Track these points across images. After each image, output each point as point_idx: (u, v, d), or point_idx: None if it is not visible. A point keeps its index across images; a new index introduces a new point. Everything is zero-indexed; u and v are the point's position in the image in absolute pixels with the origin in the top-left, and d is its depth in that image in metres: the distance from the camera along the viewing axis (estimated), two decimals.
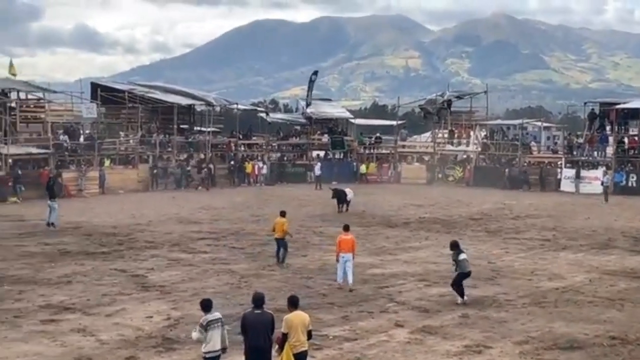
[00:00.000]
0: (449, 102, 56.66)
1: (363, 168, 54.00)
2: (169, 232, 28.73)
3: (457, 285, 17.83)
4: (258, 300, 11.68)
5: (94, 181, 43.70)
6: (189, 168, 48.39)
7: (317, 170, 50.21)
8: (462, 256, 18.01)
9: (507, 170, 50.21)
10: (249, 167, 51.24)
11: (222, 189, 47.53)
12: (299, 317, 11.61)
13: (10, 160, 40.96)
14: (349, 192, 36.27)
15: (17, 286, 19.23)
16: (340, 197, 35.76)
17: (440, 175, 52.92)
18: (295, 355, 11.30)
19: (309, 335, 11.66)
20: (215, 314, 11.60)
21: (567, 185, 47.55)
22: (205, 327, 11.40)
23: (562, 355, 14.00)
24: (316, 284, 19.94)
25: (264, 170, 51.87)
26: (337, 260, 19.43)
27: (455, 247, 18.27)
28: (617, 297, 18.63)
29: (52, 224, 29.24)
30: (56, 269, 21.55)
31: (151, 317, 16.36)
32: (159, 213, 34.49)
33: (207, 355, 11.49)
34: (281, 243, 22.41)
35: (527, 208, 38.05)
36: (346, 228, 19.94)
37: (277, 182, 51.03)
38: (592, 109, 51.51)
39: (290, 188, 47.71)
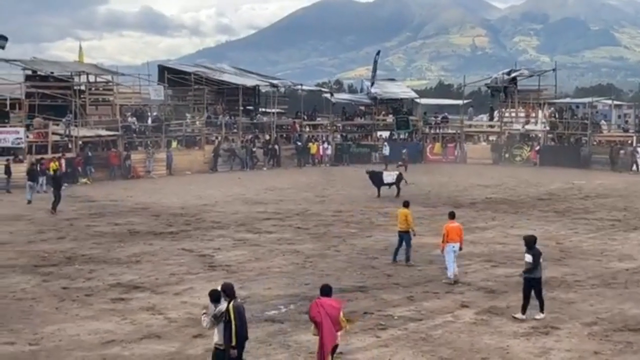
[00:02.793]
0: (515, 79, 55.84)
1: (387, 150, 51.52)
2: (235, 213, 29.02)
3: (540, 294, 14.93)
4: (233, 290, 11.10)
5: (162, 162, 44.39)
6: (254, 149, 48.71)
7: (386, 150, 50.09)
8: (541, 257, 14.99)
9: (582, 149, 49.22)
10: (313, 147, 51.35)
11: (287, 169, 47.78)
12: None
13: (80, 142, 41.82)
14: (387, 174, 34.80)
15: (88, 265, 19.68)
16: (374, 179, 34.36)
17: (507, 155, 52.21)
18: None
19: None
20: (225, 305, 10.88)
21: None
22: (218, 318, 10.83)
23: (632, 337, 13.72)
24: (381, 264, 19.91)
25: (329, 151, 51.94)
26: (442, 251, 17.90)
27: (533, 243, 15.04)
28: None
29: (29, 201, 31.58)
30: (125, 248, 21.98)
31: None
32: (225, 194, 34.87)
33: (220, 347, 10.89)
34: (405, 238, 19.88)
35: (597, 188, 37.33)
36: (452, 215, 18.48)
37: (342, 163, 50.94)
38: None
39: (354, 168, 47.67)
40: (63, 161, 38.19)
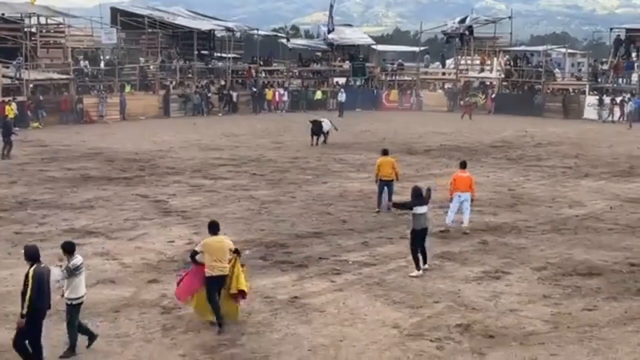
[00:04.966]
0: (471, 26, 55.84)
1: (318, 94, 52.26)
2: (190, 159, 28.87)
3: (415, 249, 14.36)
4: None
5: (115, 107, 43.74)
6: (209, 94, 48.21)
7: (342, 96, 50.03)
8: (422, 209, 14.37)
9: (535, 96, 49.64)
10: (269, 94, 51.00)
11: (242, 115, 47.48)
12: (220, 242, 11.58)
13: (31, 86, 41.03)
14: (325, 123, 34.07)
15: (41, 210, 19.49)
16: (316, 129, 33.74)
17: (462, 103, 52.46)
18: (214, 278, 11.39)
19: (237, 252, 11.72)
20: (80, 258, 10.61)
21: (590, 113, 46.98)
22: (72, 272, 10.41)
23: (580, 281, 14.04)
24: (336, 210, 20.03)
25: (285, 97, 51.63)
26: (450, 200, 17.56)
27: (417, 196, 14.51)
28: (637, 224, 18.56)
29: None
30: (79, 193, 21.78)
31: (173, 241, 16.56)
32: (180, 139, 34.59)
33: (75, 302, 10.50)
34: (389, 186, 19.53)
35: (550, 135, 37.77)
36: (463, 165, 17.87)
37: (298, 110, 50.66)
38: (618, 35, 50.56)
39: (311, 115, 47.46)
40: (14, 105, 37.46)
